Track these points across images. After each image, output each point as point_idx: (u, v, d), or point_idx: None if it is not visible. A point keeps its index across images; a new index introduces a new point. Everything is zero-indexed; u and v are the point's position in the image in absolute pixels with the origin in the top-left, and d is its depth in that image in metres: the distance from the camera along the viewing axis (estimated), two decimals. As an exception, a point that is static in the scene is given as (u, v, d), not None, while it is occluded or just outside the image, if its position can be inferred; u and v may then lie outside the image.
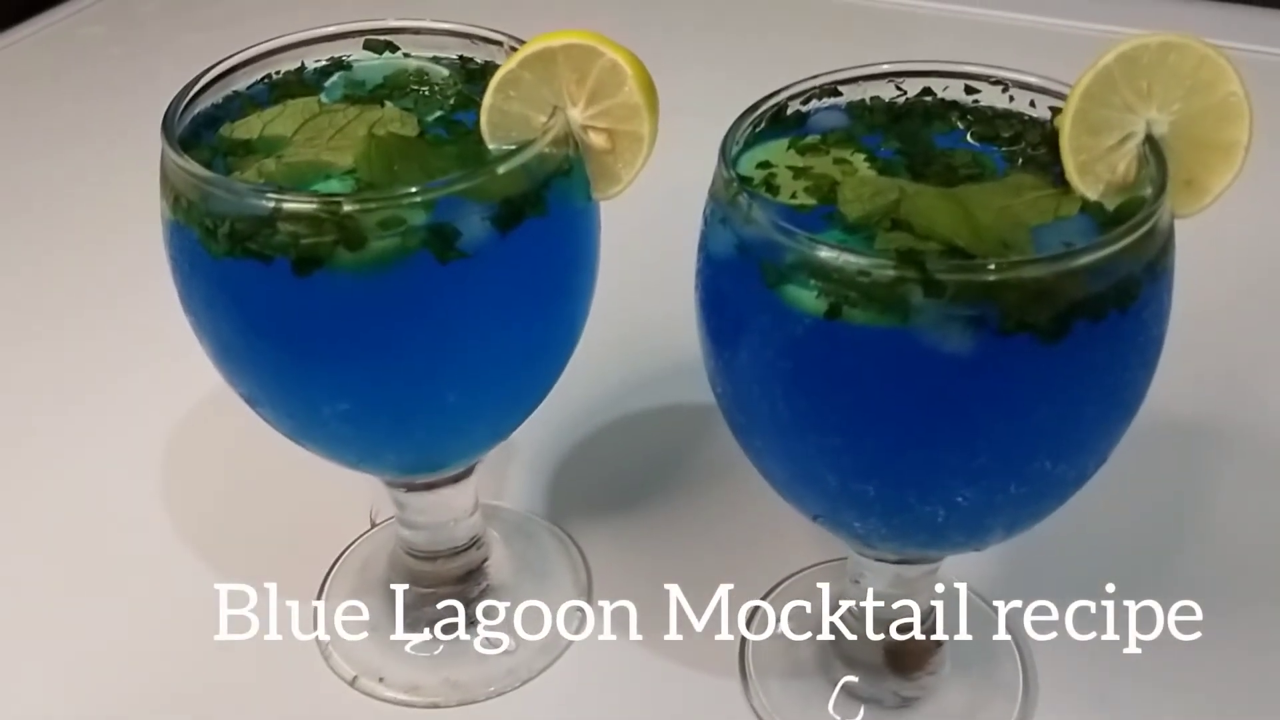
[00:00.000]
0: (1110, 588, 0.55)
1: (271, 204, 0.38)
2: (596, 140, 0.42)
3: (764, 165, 0.42)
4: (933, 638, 0.51)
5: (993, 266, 0.34)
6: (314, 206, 0.38)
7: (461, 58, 0.48)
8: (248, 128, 0.44)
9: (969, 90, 0.44)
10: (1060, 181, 0.40)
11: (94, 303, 0.77)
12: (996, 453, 0.37)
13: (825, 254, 0.35)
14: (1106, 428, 0.39)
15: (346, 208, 0.38)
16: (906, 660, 0.50)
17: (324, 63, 0.48)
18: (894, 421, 0.37)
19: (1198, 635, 0.52)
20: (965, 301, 0.34)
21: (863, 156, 0.42)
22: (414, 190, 0.38)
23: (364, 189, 0.40)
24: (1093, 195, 0.39)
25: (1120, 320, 0.36)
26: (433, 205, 0.39)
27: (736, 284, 0.38)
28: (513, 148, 0.41)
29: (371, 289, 0.39)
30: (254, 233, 0.38)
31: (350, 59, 0.48)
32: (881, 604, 0.49)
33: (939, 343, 0.35)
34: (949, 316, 0.34)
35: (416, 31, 0.48)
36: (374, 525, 0.59)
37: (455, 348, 0.41)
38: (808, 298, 0.36)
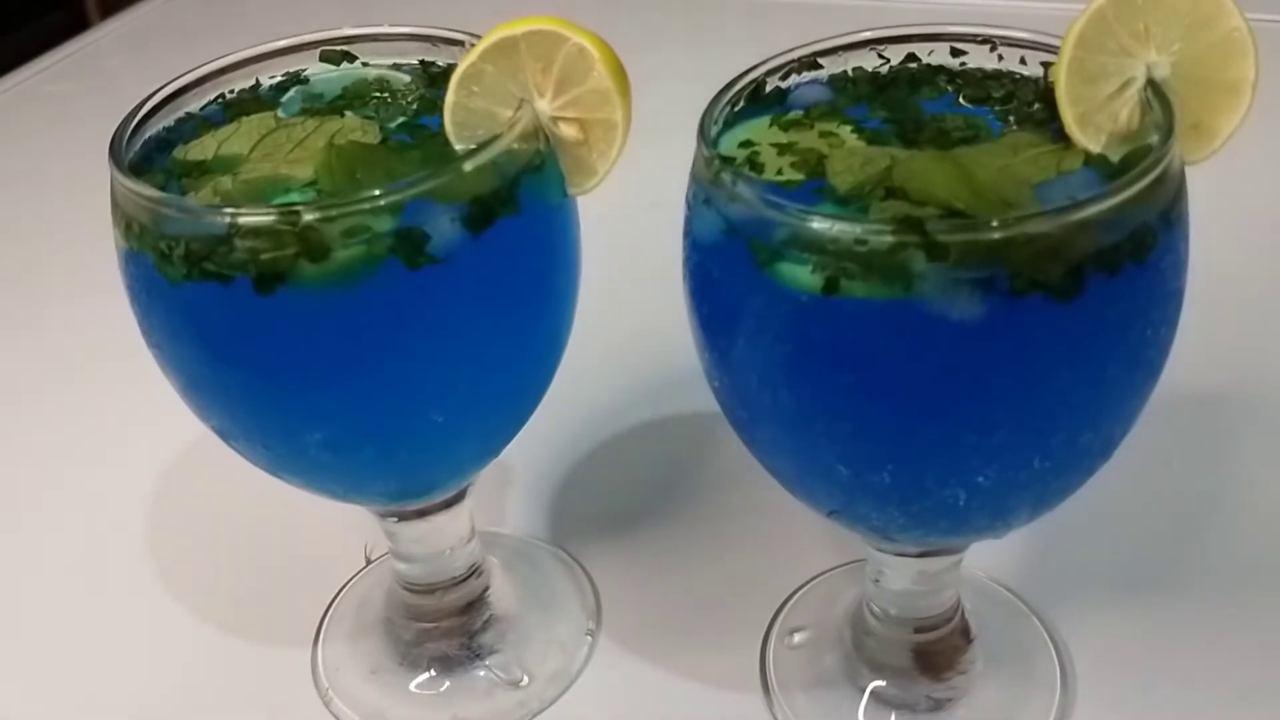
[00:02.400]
0: (1145, 574, 0.52)
1: (227, 219, 0.36)
2: (568, 131, 0.40)
3: (746, 144, 0.40)
4: (962, 636, 0.48)
5: (997, 224, 0.32)
6: (272, 218, 0.36)
7: (423, 62, 0.46)
8: (202, 148, 0.42)
9: (955, 52, 0.42)
10: (1060, 137, 0.38)
11: (63, 349, 0.76)
12: (1016, 424, 0.35)
13: (818, 225, 0.33)
14: (1130, 390, 0.36)
15: (306, 217, 0.36)
16: (936, 660, 0.48)
17: (279, 78, 0.46)
18: (905, 400, 0.34)
19: (1242, 622, 0.50)
20: (971, 264, 0.32)
21: (849, 128, 0.40)
22: (377, 194, 0.36)
23: (325, 197, 0.38)
24: (1095, 148, 0.37)
25: (1137, 272, 0.34)
26: (398, 209, 0.36)
27: (725, 267, 0.36)
28: (479, 145, 0.39)
29: (339, 303, 0.37)
30: (210, 252, 0.36)
31: (306, 73, 0.46)
32: (905, 603, 0.47)
33: (946, 310, 0.32)
34: (955, 281, 0.32)
35: (374, 38, 0.46)
36: (369, 562, 0.57)
37: (433, 360, 0.39)
38: (802, 274, 0.34)
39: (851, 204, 0.36)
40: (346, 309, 0.37)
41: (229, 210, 0.36)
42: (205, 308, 0.38)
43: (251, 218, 0.36)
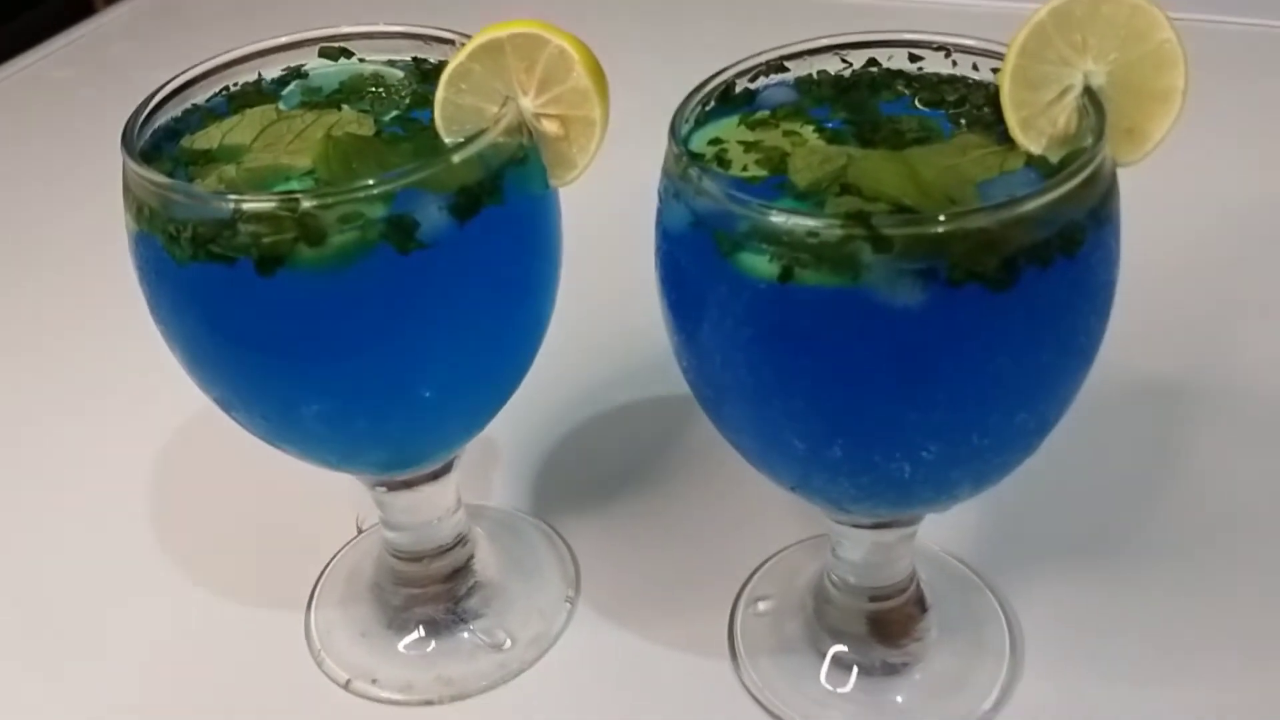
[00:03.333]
0: (1090, 549, 0.55)
1: (231, 205, 0.39)
2: (549, 127, 0.43)
3: (715, 142, 0.42)
4: (917, 605, 0.51)
5: (936, 219, 0.35)
6: (273, 205, 0.38)
7: (415, 59, 0.49)
8: (207, 138, 0.45)
9: (913, 58, 0.45)
10: (1005, 139, 0.41)
11: (68, 327, 0.79)
12: (955, 404, 0.38)
13: (776, 218, 0.36)
14: (1063, 375, 0.39)
15: (305, 204, 0.38)
16: (891, 628, 0.51)
17: (281, 72, 0.49)
18: (853, 379, 0.37)
19: (1183, 590, 0.53)
20: (913, 255, 0.35)
21: (811, 128, 0.43)
22: (371, 183, 0.39)
23: (322, 186, 0.41)
24: (1036, 149, 0.40)
25: (1068, 266, 0.36)
26: (390, 197, 0.39)
27: (692, 257, 0.39)
28: (466, 138, 0.42)
29: (335, 284, 0.40)
30: (216, 235, 0.39)
31: (306, 67, 0.49)
32: (862, 573, 0.50)
33: (890, 298, 0.35)
34: (898, 271, 0.35)
35: (370, 36, 0.49)
36: (360, 532, 0.60)
37: (422, 339, 0.42)
38: (761, 263, 0.36)
39: (809, 199, 0.39)
40: (341, 290, 0.40)
41: (234, 196, 0.39)
42: (210, 287, 0.40)
43: (254, 204, 0.39)
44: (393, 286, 0.40)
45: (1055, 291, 0.37)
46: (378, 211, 0.39)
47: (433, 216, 0.40)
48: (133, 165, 0.41)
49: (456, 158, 0.40)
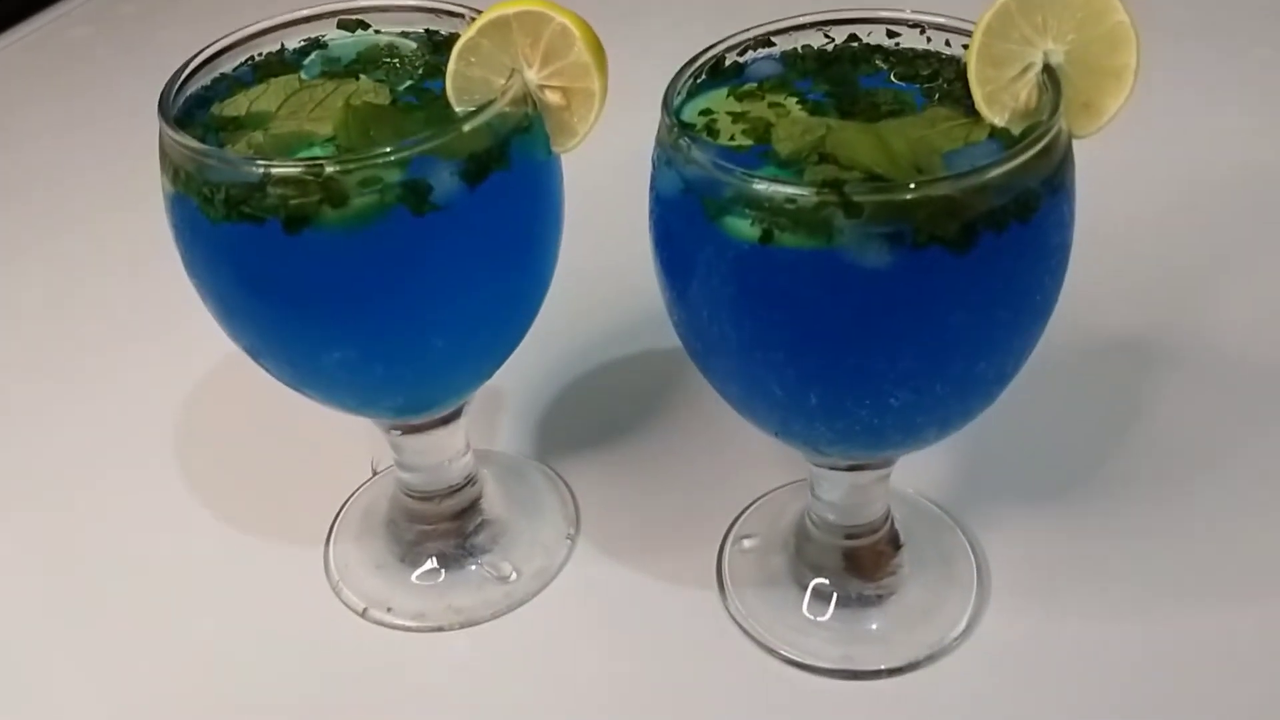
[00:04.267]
0: (1054, 491, 0.59)
1: (261, 170, 0.42)
2: (552, 98, 0.46)
3: (706, 112, 0.46)
4: (890, 543, 0.55)
5: (907, 186, 0.38)
6: (299, 170, 0.42)
7: (428, 31, 0.52)
8: (235, 105, 0.48)
9: (890, 34, 0.48)
10: (972, 112, 0.44)
11: (99, 275, 0.83)
12: (919, 356, 0.41)
13: (758, 186, 0.39)
14: (1019, 330, 0.43)
15: (329, 169, 0.42)
16: (865, 564, 0.55)
17: (302, 43, 0.52)
18: (826, 333, 0.41)
19: (1142, 531, 0.57)
20: (881, 220, 0.39)
21: (795, 100, 0.46)
22: (388, 150, 0.42)
23: (343, 152, 0.45)
24: (1000, 122, 0.43)
25: (1022, 230, 0.40)
26: (406, 163, 0.43)
27: (682, 220, 0.43)
28: (476, 108, 0.45)
29: (355, 243, 0.44)
30: (247, 197, 0.43)
31: (326, 38, 0.52)
32: (839, 513, 0.54)
33: (860, 259, 0.39)
34: (868, 235, 0.39)
35: (385, 9, 0.52)
36: (375, 474, 0.64)
37: (435, 293, 0.46)
38: (744, 226, 0.40)
39: (791, 167, 0.42)
40: (361, 248, 0.44)
41: (264, 162, 0.42)
42: (241, 245, 0.44)
43: (282, 169, 0.42)
44: (408, 245, 0.44)
45: (1011, 254, 0.40)
46: (394, 176, 0.43)
47: (445, 181, 0.44)
48: (169, 132, 0.44)
49: (467, 126, 0.44)
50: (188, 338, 0.66)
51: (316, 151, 0.45)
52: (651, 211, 0.45)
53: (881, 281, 0.39)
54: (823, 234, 0.39)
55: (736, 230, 0.40)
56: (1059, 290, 0.44)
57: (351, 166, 0.42)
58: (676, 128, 0.42)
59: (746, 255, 0.40)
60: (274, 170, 0.42)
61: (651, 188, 0.45)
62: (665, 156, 0.43)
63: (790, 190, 0.39)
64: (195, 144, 0.43)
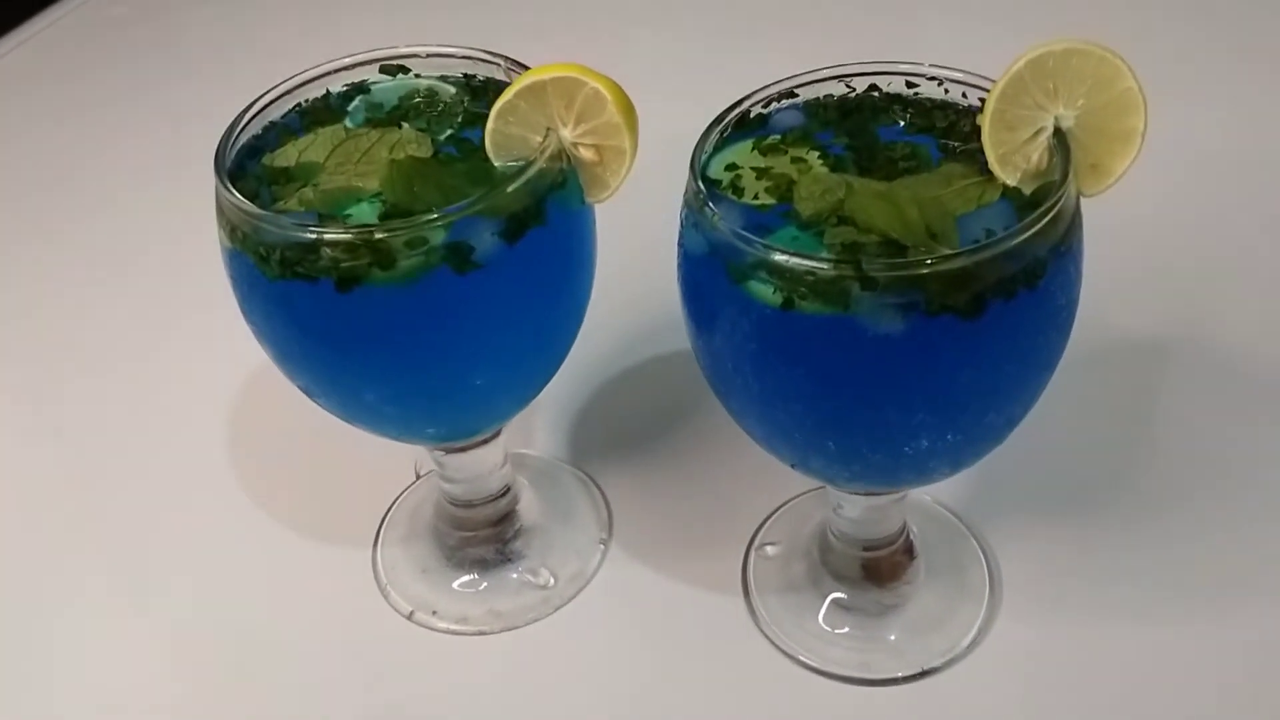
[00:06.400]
0: (1067, 504, 0.62)
1: (314, 236, 0.45)
2: (586, 154, 0.49)
3: (731, 167, 0.48)
4: (906, 554, 0.59)
5: (921, 262, 0.41)
6: (350, 236, 0.45)
7: (465, 75, 0.55)
8: (285, 156, 0.51)
9: (909, 85, 0.50)
10: (986, 169, 0.46)
11: (148, 273, 0.86)
12: (931, 411, 0.44)
13: (778, 258, 0.42)
14: (1026, 383, 0.46)
15: (378, 235, 0.45)
16: (882, 574, 0.58)
17: (345, 88, 0.55)
18: (843, 391, 0.44)
19: (1153, 541, 0.60)
20: (895, 291, 0.41)
21: (816, 154, 0.48)
22: (434, 217, 0.45)
23: (390, 213, 0.47)
24: (1012, 182, 0.45)
25: (1029, 296, 0.43)
26: (450, 226, 0.46)
27: (708, 278, 0.45)
28: (515, 164, 0.48)
29: (402, 299, 0.46)
30: (301, 259, 0.46)
31: (369, 82, 0.55)
32: (857, 529, 0.57)
33: (875, 326, 0.42)
34: (882, 304, 0.41)
35: (425, 56, 0.55)
36: (419, 477, 0.67)
37: (476, 343, 0.49)
38: (766, 292, 0.43)
39: (811, 228, 0.45)
40: (408, 303, 0.47)
41: (316, 229, 0.45)
42: (296, 301, 0.47)
43: (334, 235, 0.45)
44: (451, 301, 0.47)
45: (1018, 318, 0.43)
46: (439, 238, 0.46)
47: (486, 241, 0.46)
48: (226, 193, 0.47)
49: (509, 189, 0.46)
50: (238, 339, 0.69)
51: (364, 207, 0.48)
52: (680, 265, 0.48)
53: (895, 345, 0.42)
54: (840, 302, 0.42)
55: (759, 294, 0.43)
56: (1066, 341, 0.47)
57: (399, 231, 0.45)
58: (703, 193, 0.45)
59: (769, 317, 0.43)
60: (327, 235, 0.45)
61: (680, 244, 0.48)
62: (692, 219, 0.46)
63: (810, 264, 0.41)
64: (252, 208, 0.46)
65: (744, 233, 0.43)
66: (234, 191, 0.47)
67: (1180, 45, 0.95)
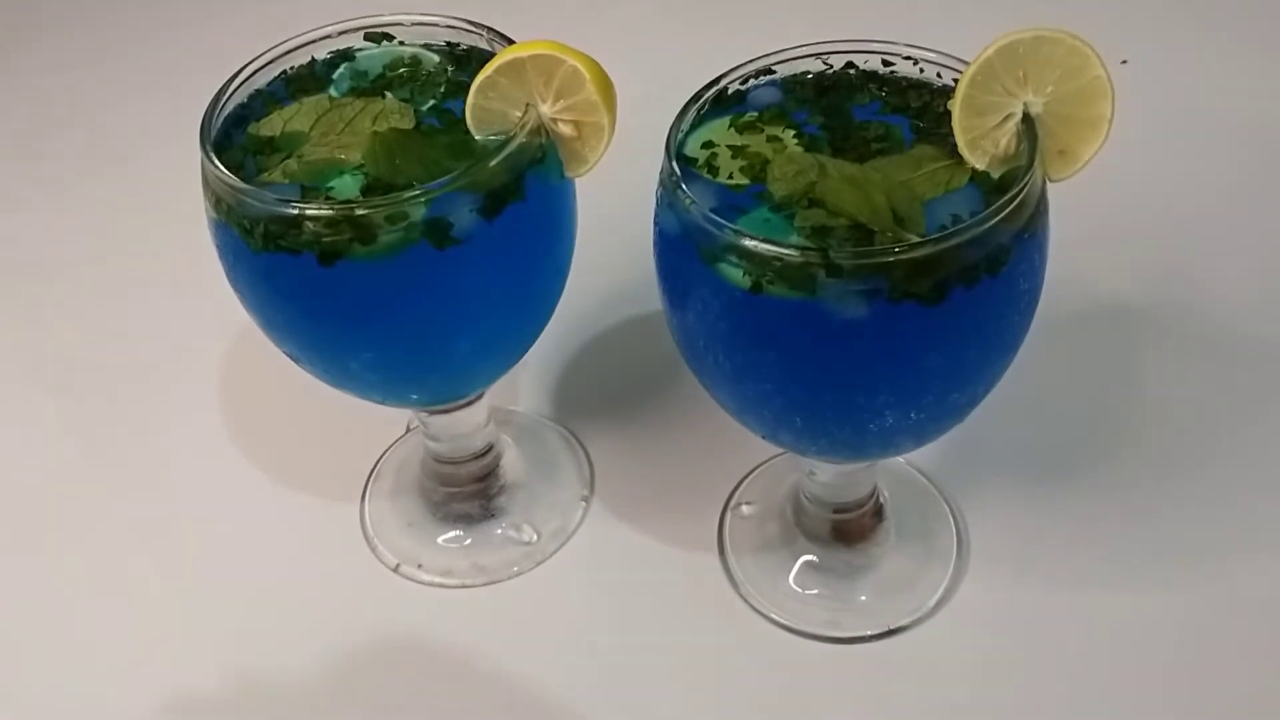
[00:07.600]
0: (1036, 466, 0.64)
1: (296, 211, 0.46)
2: (565, 130, 0.50)
3: (708, 145, 0.49)
4: (875, 516, 0.60)
5: (888, 250, 0.42)
6: (332, 211, 0.46)
7: (448, 43, 0.55)
8: (270, 125, 0.52)
9: (885, 63, 0.51)
10: (956, 152, 0.47)
11: (140, 228, 0.87)
12: (894, 392, 0.46)
13: (748, 243, 0.43)
14: (989, 365, 0.47)
15: (359, 211, 0.46)
16: (851, 535, 0.60)
17: (330, 55, 0.55)
18: (810, 372, 0.45)
19: (1119, 506, 0.61)
20: (860, 278, 0.42)
21: (792, 133, 0.49)
22: (416, 193, 0.46)
23: (371, 187, 0.48)
24: (980, 166, 0.46)
25: (991, 283, 0.44)
26: (429, 202, 0.47)
27: (681, 258, 0.46)
28: (495, 138, 0.49)
29: (383, 272, 0.48)
30: (284, 232, 0.47)
31: (353, 49, 0.55)
32: (829, 492, 0.59)
33: (841, 311, 0.43)
34: (848, 290, 0.42)
35: (409, 24, 0.55)
36: (409, 430, 0.69)
37: (456, 316, 0.50)
38: (736, 274, 0.44)
39: (783, 209, 0.46)
40: (389, 278, 0.48)
41: (298, 204, 0.46)
42: (279, 273, 0.48)
43: (316, 210, 0.46)
44: (431, 276, 0.48)
45: (979, 304, 0.44)
46: (419, 213, 0.47)
47: (465, 217, 0.47)
48: (212, 167, 0.48)
49: (490, 164, 0.47)
50: (227, 296, 0.71)
51: (347, 180, 0.49)
52: (655, 244, 0.49)
53: (859, 329, 0.43)
54: (807, 287, 0.43)
55: (729, 277, 0.44)
56: (1029, 324, 0.48)
57: (380, 207, 0.46)
58: (677, 175, 0.46)
59: (738, 299, 0.44)
60: (309, 211, 0.46)
61: (655, 222, 0.48)
62: (667, 199, 0.47)
63: (778, 250, 0.42)
64: (236, 182, 0.47)
65: (715, 216, 0.44)
66: (219, 165, 0.48)
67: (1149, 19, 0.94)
